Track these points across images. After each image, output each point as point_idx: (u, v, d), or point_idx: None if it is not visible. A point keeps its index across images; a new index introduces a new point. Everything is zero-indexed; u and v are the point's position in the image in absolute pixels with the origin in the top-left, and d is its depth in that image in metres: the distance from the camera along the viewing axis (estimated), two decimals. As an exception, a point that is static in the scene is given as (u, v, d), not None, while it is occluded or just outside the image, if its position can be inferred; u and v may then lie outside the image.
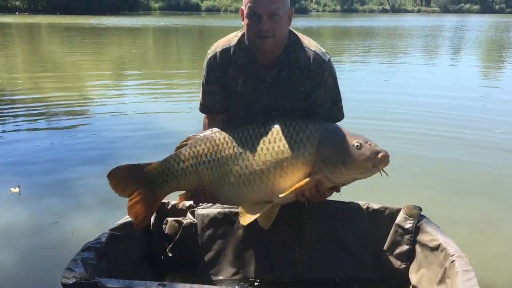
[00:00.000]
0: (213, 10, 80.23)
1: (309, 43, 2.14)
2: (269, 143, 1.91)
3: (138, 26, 34.58)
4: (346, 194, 2.24)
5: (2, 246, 3.35)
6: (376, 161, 1.84)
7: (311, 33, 30.21)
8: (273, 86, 2.10)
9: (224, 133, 1.99)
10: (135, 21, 39.97)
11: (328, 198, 2.26)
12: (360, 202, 2.20)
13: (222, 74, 2.16)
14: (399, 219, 2.08)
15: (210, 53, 2.19)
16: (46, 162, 5.14)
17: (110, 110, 7.77)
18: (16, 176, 4.65)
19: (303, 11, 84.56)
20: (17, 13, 50.69)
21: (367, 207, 2.17)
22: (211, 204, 2.25)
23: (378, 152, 1.85)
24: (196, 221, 2.25)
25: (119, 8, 57.10)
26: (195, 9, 80.00)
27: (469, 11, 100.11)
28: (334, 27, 36.86)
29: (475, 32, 34.31)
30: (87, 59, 15.45)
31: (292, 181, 1.89)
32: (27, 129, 6.60)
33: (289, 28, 2.13)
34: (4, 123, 6.87)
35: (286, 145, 1.89)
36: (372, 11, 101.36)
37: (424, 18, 66.53)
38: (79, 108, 8.05)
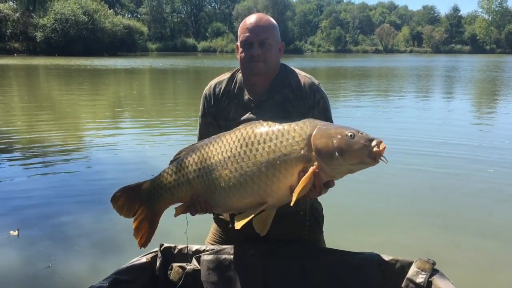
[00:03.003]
0: (209, 51, 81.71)
1: (299, 71, 2.32)
2: (259, 144, 1.91)
3: (136, 67, 35.03)
4: (357, 242, 2.18)
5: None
6: (371, 149, 1.82)
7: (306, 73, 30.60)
8: (265, 110, 2.18)
9: (213, 141, 2.02)
10: (133, 62, 40.57)
11: (338, 248, 2.24)
12: (371, 253, 2.13)
13: (215, 103, 2.29)
14: (410, 272, 2.01)
15: (206, 88, 2.36)
16: (43, 204, 5.11)
17: (107, 150, 7.78)
18: (15, 219, 4.63)
19: (298, 51, 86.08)
20: (15, 54, 51.35)
21: (378, 259, 2.10)
22: (216, 248, 2.23)
23: (372, 140, 1.83)
24: (199, 267, 2.19)
25: (117, 50, 57.99)
26: (191, 50, 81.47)
27: (460, 52, 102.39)
28: (328, 68, 37.46)
29: (468, 72, 34.94)
30: (85, 100, 15.58)
31: (286, 179, 1.86)
32: (25, 170, 6.58)
33: (286, 64, 2.31)
34: (2, 164, 6.85)
35: (278, 144, 1.88)
36: (365, 51, 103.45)
37: (417, 58, 67.93)
38: (76, 148, 8.07)
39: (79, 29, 53.77)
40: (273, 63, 2.20)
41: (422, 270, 2.01)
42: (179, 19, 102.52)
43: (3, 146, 8.04)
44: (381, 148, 1.82)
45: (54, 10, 54.26)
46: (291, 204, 1.83)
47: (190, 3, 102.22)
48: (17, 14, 55.52)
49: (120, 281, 2.05)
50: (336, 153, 1.82)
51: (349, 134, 1.85)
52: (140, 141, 8.72)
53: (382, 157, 1.84)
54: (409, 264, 2.06)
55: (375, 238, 4.39)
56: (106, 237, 4.12)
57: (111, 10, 64.74)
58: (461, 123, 11.01)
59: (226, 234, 2.35)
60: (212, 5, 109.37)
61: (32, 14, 55.97)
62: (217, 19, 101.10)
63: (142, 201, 2.10)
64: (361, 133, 1.87)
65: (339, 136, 1.85)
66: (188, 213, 2.06)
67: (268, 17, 2.23)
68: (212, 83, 2.34)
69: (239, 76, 2.30)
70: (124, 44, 59.50)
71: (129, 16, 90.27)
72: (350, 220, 4.80)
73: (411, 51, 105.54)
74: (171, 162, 2.10)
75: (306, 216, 2.19)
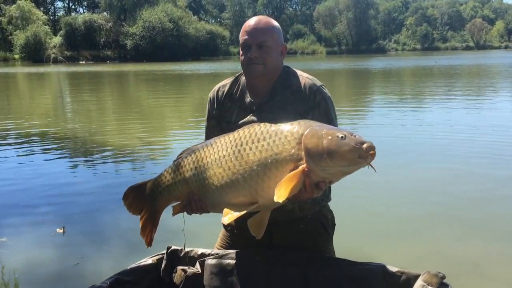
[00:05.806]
0: (289, 53, 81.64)
1: (302, 73, 2.29)
2: (252, 143, 1.92)
3: (216, 71, 36.01)
4: (363, 250, 2.05)
5: (23, 283, 3.57)
6: (362, 152, 1.74)
7: (389, 75, 29.59)
8: (266, 112, 2.19)
9: (212, 141, 2.07)
10: (219, 66, 41.60)
11: (341, 257, 2.17)
12: (376, 264, 2.01)
13: (218, 106, 2.32)
14: (416, 286, 1.88)
15: (211, 91, 2.40)
16: (95, 201, 5.45)
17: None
18: (69, 214, 5.01)
19: (381, 51, 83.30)
20: (108, 62, 54.95)
21: (383, 270, 1.98)
22: (220, 252, 2.23)
23: (363, 143, 1.76)
24: (199, 271, 2.20)
25: (200, 54, 59.91)
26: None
27: None
28: (415, 67, 35.56)
29: None
30: (169, 103, 16.38)
31: (277, 178, 1.84)
32: (116, 167, 7.16)
33: (289, 66, 2.30)
34: (92, 160, 7.53)
35: (270, 143, 1.88)
36: (455, 48, 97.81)
37: (512, 54, 63.14)
38: (158, 151, 8.53)
39: (165, 35, 56.28)
40: (273, 65, 2.19)
41: (428, 284, 1.86)
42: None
43: (96, 147, 8.65)
44: (371, 153, 1.74)
45: (142, 19, 57.27)
46: (276, 200, 1.77)
47: (271, 6, 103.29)
48: (109, 24, 59.43)
49: (122, 282, 2.10)
50: (325, 154, 1.78)
51: (340, 135, 1.79)
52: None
53: (371, 165, 1.75)
54: (416, 276, 1.92)
55: (391, 247, 4.16)
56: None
57: (195, 16, 67.06)
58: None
59: (233, 239, 2.34)
60: (293, 7, 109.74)
61: (123, 23, 59.54)
62: (298, 21, 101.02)
63: (145, 199, 2.17)
64: (354, 136, 1.80)
65: (329, 137, 1.80)
66: (185, 213, 2.09)
67: (268, 19, 2.23)
68: (216, 87, 2.38)
69: (243, 79, 2.32)
70: (206, 48, 61.36)
71: (212, 21, 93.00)
72: (366, 228, 4.57)
73: (506, 47, 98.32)
74: (173, 162, 2.15)
75: (311, 223, 2.12)
